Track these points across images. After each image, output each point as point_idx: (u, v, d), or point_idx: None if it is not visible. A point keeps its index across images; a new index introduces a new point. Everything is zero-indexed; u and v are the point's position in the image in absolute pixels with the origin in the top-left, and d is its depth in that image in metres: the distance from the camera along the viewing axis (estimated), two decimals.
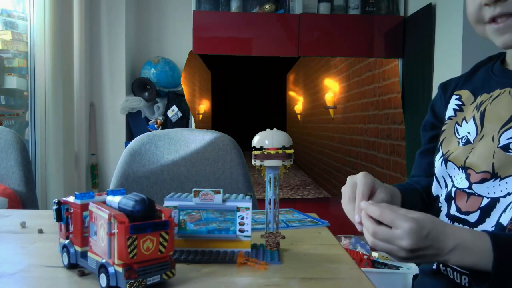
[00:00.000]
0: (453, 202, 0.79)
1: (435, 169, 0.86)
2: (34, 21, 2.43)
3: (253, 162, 0.68)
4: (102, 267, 0.52)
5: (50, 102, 2.40)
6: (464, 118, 0.83)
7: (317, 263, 0.64)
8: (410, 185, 0.91)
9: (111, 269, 0.50)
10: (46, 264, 0.61)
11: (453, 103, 0.87)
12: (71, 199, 0.60)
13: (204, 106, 3.29)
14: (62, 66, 2.44)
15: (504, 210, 0.69)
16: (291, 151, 0.67)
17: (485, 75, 0.85)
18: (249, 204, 0.71)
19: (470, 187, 0.76)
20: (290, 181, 2.76)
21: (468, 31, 2.07)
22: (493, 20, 0.73)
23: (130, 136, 2.97)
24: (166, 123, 2.98)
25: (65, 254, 0.59)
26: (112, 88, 2.96)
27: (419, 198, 0.89)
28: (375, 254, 1.96)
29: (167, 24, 3.12)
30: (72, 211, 0.59)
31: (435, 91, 1.02)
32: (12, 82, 2.58)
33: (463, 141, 0.81)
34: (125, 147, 1.53)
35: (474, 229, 0.70)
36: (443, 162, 0.83)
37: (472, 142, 0.79)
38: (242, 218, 0.69)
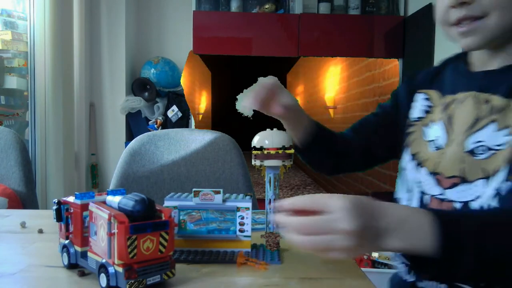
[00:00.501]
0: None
1: (406, 171, 0.85)
2: (34, 21, 2.43)
3: (253, 162, 0.68)
4: (102, 267, 0.51)
5: (50, 102, 2.40)
6: (432, 120, 0.83)
7: (317, 263, 0.64)
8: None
9: (111, 269, 0.50)
10: (46, 264, 0.61)
11: (421, 103, 0.86)
12: (71, 199, 0.60)
13: (204, 106, 3.29)
14: (62, 66, 2.44)
15: None
16: (291, 151, 0.67)
17: (453, 75, 0.86)
18: (249, 204, 0.71)
19: (442, 193, 0.77)
20: (290, 181, 2.76)
21: None
22: (459, 22, 0.73)
23: (130, 136, 2.97)
24: (166, 123, 2.98)
25: (65, 254, 0.59)
26: (112, 88, 2.96)
27: (333, 138, 0.92)
28: (375, 254, 1.96)
29: (167, 24, 3.12)
30: (72, 211, 0.59)
31: None
32: (12, 82, 2.58)
33: (434, 146, 0.81)
34: (125, 147, 1.53)
35: None
36: (416, 167, 0.83)
37: (443, 147, 0.80)
38: (242, 218, 0.69)
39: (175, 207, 0.69)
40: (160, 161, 1.35)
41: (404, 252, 0.59)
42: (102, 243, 0.52)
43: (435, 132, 0.82)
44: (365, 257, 1.92)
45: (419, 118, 0.86)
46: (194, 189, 0.70)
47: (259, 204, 1.19)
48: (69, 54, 2.54)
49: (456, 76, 0.84)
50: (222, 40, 2.80)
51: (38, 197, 2.18)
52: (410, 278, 0.79)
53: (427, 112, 0.85)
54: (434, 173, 0.79)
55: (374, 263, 1.92)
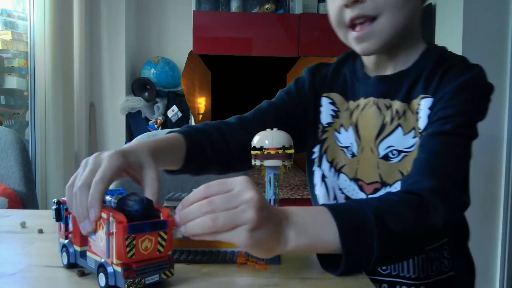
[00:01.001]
0: None
1: (326, 179, 0.85)
2: (34, 21, 2.43)
3: (253, 162, 0.68)
4: (101, 267, 0.52)
5: (50, 102, 2.40)
6: (342, 125, 0.84)
7: (317, 263, 0.64)
8: (206, 129, 0.81)
9: (109, 269, 0.50)
10: (46, 264, 0.61)
11: (327, 107, 0.86)
12: None
13: (204, 106, 3.29)
14: (62, 66, 2.44)
15: None
16: (291, 151, 0.67)
17: (349, 78, 0.86)
18: None
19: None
20: (290, 181, 2.77)
21: (468, 31, 2.08)
22: (353, 23, 0.73)
23: (130, 136, 2.97)
24: (166, 123, 2.98)
25: (64, 253, 0.59)
26: (112, 88, 2.96)
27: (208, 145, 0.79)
28: None
29: (167, 24, 3.12)
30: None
31: None
32: (12, 82, 2.58)
33: (350, 153, 0.82)
34: None
35: None
36: (335, 174, 0.84)
37: (357, 154, 0.81)
38: None
39: (175, 207, 0.69)
40: None
41: (308, 250, 0.57)
42: (101, 242, 0.52)
43: (346, 137, 0.83)
44: None
45: (329, 124, 0.86)
46: (194, 189, 0.70)
47: None
48: (69, 54, 2.54)
49: (355, 80, 0.85)
50: (222, 40, 2.80)
51: (38, 197, 2.18)
52: None
53: (334, 117, 0.86)
54: (355, 180, 0.81)
55: None
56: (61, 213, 0.60)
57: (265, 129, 0.83)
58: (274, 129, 0.68)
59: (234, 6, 2.88)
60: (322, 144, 0.86)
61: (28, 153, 1.43)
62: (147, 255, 0.51)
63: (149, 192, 0.56)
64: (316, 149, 0.87)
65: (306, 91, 0.89)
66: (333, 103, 0.86)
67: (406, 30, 0.75)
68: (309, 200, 0.92)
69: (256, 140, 0.68)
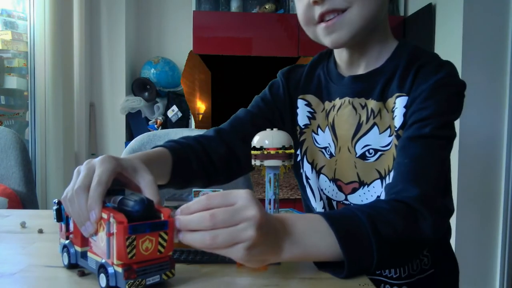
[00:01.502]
0: None
1: (309, 180, 0.86)
2: (34, 21, 2.43)
3: (253, 162, 0.68)
4: (102, 267, 0.52)
5: (50, 102, 2.40)
6: (319, 126, 0.84)
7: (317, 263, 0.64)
8: (191, 146, 0.81)
9: (110, 269, 0.50)
10: (46, 264, 0.61)
11: (303, 109, 0.86)
12: None
13: (204, 106, 3.29)
14: (62, 66, 2.44)
15: None
16: (291, 151, 0.67)
17: (323, 79, 0.86)
18: None
19: (346, 199, 0.80)
20: (290, 181, 2.77)
21: (468, 31, 2.08)
22: (322, 19, 0.73)
23: (130, 136, 2.97)
24: (166, 123, 2.97)
25: (65, 254, 0.59)
26: (112, 88, 2.96)
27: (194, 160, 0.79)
28: None
29: (167, 24, 3.12)
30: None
31: None
32: (12, 82, 2.58)
33: (328, 154, 0.83)
34: (125, 147, 1.53)
35: None
36: (316, 175, 0.85)
37: (335, 154, 0.81)
38: None
39: (175, 207, 0.69)
40: None
41: (302, 259, 0.56)
42: (101, 243, 0.52)
43: (324, 138, 0.83)
44: None
45: (306, 126, 0.86)
46: (194, 189, 0.70)
47: None
48: (69, 54, 2.54)
49: (329, 80, 0.85)
50: (222, 40, 2.80)
51: (38, 197, 2.18)
52: None
53: (310, 118, 0.86)
54: (334, 180, 0.81)
55: None
56: (62, 214, 0.60)
57: (244, 138, 0.83)
58: (274, 129, 0.68)
59: (234, 6, 2.88)
60: (302, 146, 0.86)
61: (28, 153, 1.43)
62: (147, 255, 0.51)
63: (150, 194, 0.55)
64: (298, 152, 0.87)
65: (280, 95, 0.88)
66: (308, 104, 0.86)
67: (375, 21, 0.74)
68: None
69: (256, 140, 0.68)
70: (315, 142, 0.85)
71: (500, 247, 2.14)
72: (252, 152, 0.67)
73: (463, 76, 2.00)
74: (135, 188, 0.58)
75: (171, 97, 3.00)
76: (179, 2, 3.08)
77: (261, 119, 0.86)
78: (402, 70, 0.75)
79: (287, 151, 0.66)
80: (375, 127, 0.76)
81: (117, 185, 0.57)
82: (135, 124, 3.00)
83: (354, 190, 0.79)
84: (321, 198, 0.84)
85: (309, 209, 0.87)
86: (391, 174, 0.73)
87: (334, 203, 0.82)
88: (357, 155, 0.78)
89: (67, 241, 0.59)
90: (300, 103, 0.87)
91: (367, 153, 0.77)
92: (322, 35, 0.75)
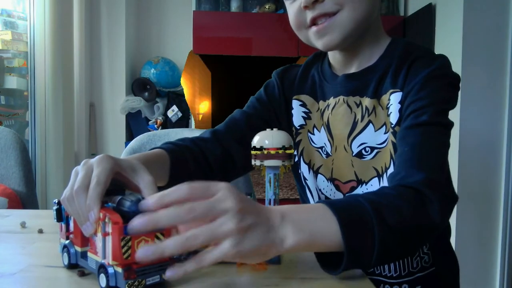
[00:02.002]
0: None
1: (307, 181, 0.86)
2: (34, 21, 2.43)
3: (253, 162, 0.68)
4: (102, 267, 0.52)
5: (50, 102, 2.40)
6: (315, 126, 0.84)
7: (317, 263, 0.64)
8: (189, 147, 0.81)
9: (110, 269, 0.50)
10: (46, 264, 0.61)
11: (298, 110, 0.86)
12: None
13: (204, 106, 3.29)
14: (62, 66, 2.44)
15: None
16: (291, 151, 0.67)
17: (317, 79, 0.86)
18: None
19: None
20: (290, 181, 2.77)
21: (468, 31, 2.08)
22: (314, 23, 0.73)
23: (130, 136, 2.97)
24: (166, 123, 2.97)
25: (65, 254, 0.59)
26: (112, 88, 2.96)
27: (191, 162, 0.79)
28: None
29: (167, 24, 3.12)
30: None
31: None
32: (12, 82, 2.58)
33: (324, 153, 0.83)
34: (125, 147, 1.53)
35: None
36: (314, 175, 0.84)
37: (331, 154, 0.81)
38: None
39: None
40: None
41: (308, 248, 0.53)
42: (100, 243, 0.52)
43: (320, 138, 0.83)
44: None
45: (301, 126, 0.86)
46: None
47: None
48: (69, 54, 2.54)
49: (323, 80, 0.85)
50: (222, 40, 2.80)
51: (38, 197, 2.18)
52: None
53: (306, 118, 0.86)
54: (331, 179, 0.81)
55: None
56: (62, 214, 0.60)
57: (240, 139, 0.84)
58: (274, 129, 0.68)
59: (234, 6, 2.88)
60: (298, 146, 0.86)
61: (28, 153, 1.43)
62: None
63: (149, 194, 0.55)
64: (294, 153, 0.87)
65: (276, 95, 0.88)
66: (303, 105, 0.86)
67: (367, 23, 0.74)
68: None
69: (256, 140, 0.68)
70: (311, 142, 0.85)
71: (500, 247, 2.14)
72: (252, 152, 0.67)
73: (463, 76, 2.00)
74: (134, 188, 0.57)
75: (171, 97, 3.00)
76: (179, 2, 3.08)
77: (257, 120, 0.86)
78: (395, 66, 0.75)
79: (287, 151, 0.66)
80: (370, 125, 0.76)
81: (115, 185, 0.57)
82: (135, 124, 3.00)
83: (352, 189, 0.79)
84: (319, 198, 0.84)
85: None
86: (389, 171, 0.73)
87: None
88: (353, 154, 0.78)
89: (67, 241, 0.59)
90: (295, 103, 0.87)
91: (363, 151, 0.77)
92: (314, 38, 0.75)
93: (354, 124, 0.78)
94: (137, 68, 3.09)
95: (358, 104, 0.78)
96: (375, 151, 0.76)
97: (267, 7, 2.87)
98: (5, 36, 2.47)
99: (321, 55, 0.88)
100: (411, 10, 2.72)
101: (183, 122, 3.00)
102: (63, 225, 0.60)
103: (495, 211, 2.15)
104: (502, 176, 2.13)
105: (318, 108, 0.84)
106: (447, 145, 0.69)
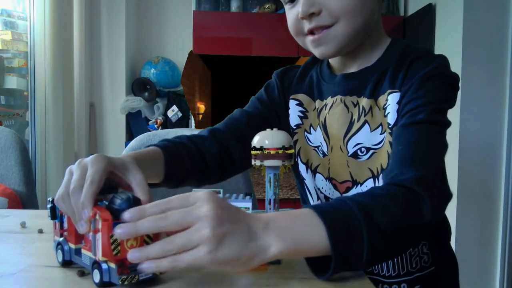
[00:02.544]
0: None
1: (305, 180, 0.86)
2: (34, 21, 2.43)
3: (253, 162, 0.68)
4: (95, 263, 0.52)
5: (50, 102, 2.40)
6: (311, 125, 0.84)
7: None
8: (185, 145, 0.81)
9: (104, 265, 0.51)
10: (46, 264, 0.61)
11: (295, 109, 0.87)
12: None
13: (204, 106, 3.29)
14: (62, 66, 2.44)
15: None
16: (292, 151, 0.67)
17: (316, 78, 0.86)
18: (249, 204, 0.70)
19: None
20: (290, 181, 2.77)
21: (468, 31, 2.08)
22: (311, 32, 0.75)
23: (130, 136, 2.97)
24: (166, 123, 2.97)
25: (59, 251, 0.60)
26: (112, 88, 2.96)
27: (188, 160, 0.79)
28: None
29: (167, 24, 3.12)
30: None
31: None
32: (12, 82, 2.58)
33: (321, 153, 0.83)
34: (125, 147, 1.53)
35: None
36: (312, 174, 0.84)
37: (327, 153, 0.81)
38: None
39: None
40: None
41: (293, 255, 0.52)
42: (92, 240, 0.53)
43: (316, 137, 0.83)
44: None
45: (297, 125, 0.86)
46: (194, 189, 0.70)
47: (259, 204, 1.19)
48: (69, 54, 2.53)
49: (321, 80, 0.85)
50: (222, 40, 2.80)
51: (38, 197, 2.18)
52: None
53: (302, 117, 0.86)
54: (329, 179, 0.81)
55: None
56: (56, 212, 0.60)
57: (239, 138, 0.84)
58: (274, 129, 0.68)
59: (234, 6, 2.88)
60: (295, 146, 0.86)
61: (28, 153, 1.43)
62: None
63: (140, 192, 0.56)
64: None
65: (275, 95, 0.89)
66: (300, 104, 0.86)
67: (365, 33, 0.75)
68: None
69: (256, 140, 0.68)
70: (308, 141, 0.85)
71: (500, 247, 2.14)
72: (252, 152, 0.67)
73: (463, 76, 2.00)
74: (126, 186, 0.58)
75: (171, 97, 3.00)
76: (179, 2, 3.08)
77: (257, 119, 0.87)
78: (394, 67, 0.75)
79: (287, 151, 0.66)
80: (366, 125, 0.76)
81: (109, 183, 0.58)
82: (135, 124, 3.00)
83: (347, 189, 0.79)
84: (318, 197, 0.84)
85: None
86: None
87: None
88: (349, 154, 0.78)
89: (61, 239, 0.60)
90: (292, 103, 0.87)
91: (359, 151, 0.77)
92: (310, 46, 0.77)
93: (351, 124, 0.78)
94: (137, 68, 3.09)
95: (355, 104, 0.78)
96: (371, 151, 0.76)
97: (267, 7, 2.87)
98: (5, 36, 2.47)
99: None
100: (411, 10, 2.72)
101: (183, 122, 3.00)
102: (57, 223, 0.61)
103: (495, 211, 2.15)
104: (502, 176, 2.13)
105: (315, 108, 0.84)
106: (443, 144, 0.69)
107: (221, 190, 0.70)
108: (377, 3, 0.76)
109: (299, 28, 0.76)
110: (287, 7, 0.78)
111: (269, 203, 0.70)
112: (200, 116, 3.16)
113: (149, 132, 1.42)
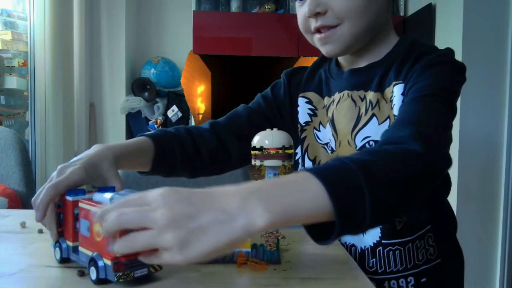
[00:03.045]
0: None
1: None
2: (34, 21, 2.43)
3: (253, 162, 0.68)
4: (92, 261, 0.53)
5: (50, 102, 2.40)
6: (321, 123, 0.85)
7: (317, 263, 0.64)
8: (179, 135, 0.82)
9: (100, 263, 0.52)
10: (46, 264, 0.61)
11: (304, 107, 0.87)
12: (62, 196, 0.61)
13: (204, 106, 3.29)
14: (62, 66, 2.44)
15: None
16: (292, 151, 0.67)
17: (324, 76, 0.88)
18: None
19: None
20: None
21: (468, 31, 2.07)
22: (318, 30, 0.77)
23: (130, 136, 2.97)
24: (166, 123, 2.97)
25: (57, 249, 0.60)
26: (112, 88, 2.95)
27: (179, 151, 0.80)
28: None
29: (167, 24, 3.12)
30: (63, 208, 0.60)
31: None
32: (12, 82, 2.58)
33: (329, 149, 0.83)
34: None
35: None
36: None
37: (335, 149, 0.82)
38: None
39: None
40: None
41: (287, 222, 0.46)
42: (98, 238, 0.53)
43: (325, 134, 0.84)
44: None
45: (307, 123, 0.87)
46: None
47: None
48: (69, 54, 2.53)
49: (329, 77, 0.86)
50: (222, 40, 2.80)
51: None
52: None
53: (311, 115, 0.87)
54: None
55: None
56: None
57: (238, 134, 0.85)
58: (274, 129, 0.68)
59: (234, 6, 2.88)
60: (302, 143, 0.86)
61: (28, 153, 1.43)
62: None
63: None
64: (298, 150, 0.87)
65: (281, 94, 0.90)
66: (309, 102, 0.87)
67: (371, 32, 0.76)
68: None
69: (256, 140, 0.68)
70: (317, 139, 0.85)
71: (500, 247, 2.14)
72: (252, 152, 0.67)
73: None
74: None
75: (171, 97, 2.99)
76: (179, 2, 3.08)
77: (258, 116, 0.88)
78: (400, 60, 0.76)
79: (287, 151, 0.66)
80: (374, 118, 0.76)
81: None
82: (135, 124, 3.00)
83: None
84: None
85: None
86: None
87: None
88: (357, 148, 0.78)
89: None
90: (301, 101, 0.88)
91: (367, 145, 0.77)
92: (318, 44, 0.79)
93: (358, 118, 0.78)
94: (137, 68, 3.08)
95: (363, 98, 0.78)
96: None
97: (267, 7, 2.87)
98: (5, 36, 2.47)
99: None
100: (411, 10, 2.71)
101: (183, 122, 2.99)
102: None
103: (495, 211, 2.15)
104: (502, 176, 2.13)
105: (324, 105, 0.85)
106: (449, 111, 0.66)
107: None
108: (385, 4, 0.77)
109: (307, 26, 0.78)
110: (297, 4, 0.80)
111: None
112: (200, 116, 3.15)
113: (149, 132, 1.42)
